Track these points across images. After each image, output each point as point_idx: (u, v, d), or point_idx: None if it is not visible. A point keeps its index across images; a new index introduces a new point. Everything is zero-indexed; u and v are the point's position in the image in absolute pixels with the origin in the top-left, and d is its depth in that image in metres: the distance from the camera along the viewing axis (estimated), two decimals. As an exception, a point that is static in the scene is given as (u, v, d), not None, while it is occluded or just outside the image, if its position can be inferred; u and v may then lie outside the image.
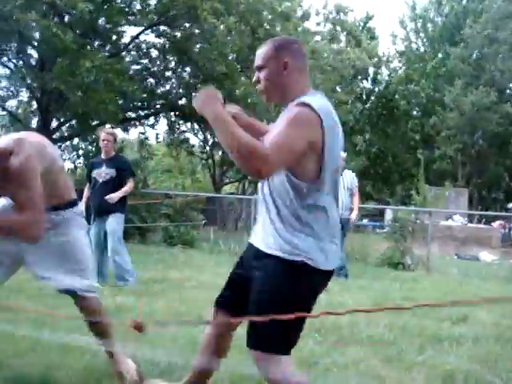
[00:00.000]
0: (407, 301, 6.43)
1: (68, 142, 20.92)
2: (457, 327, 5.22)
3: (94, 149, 18.33)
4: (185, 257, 10.19)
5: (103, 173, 6.76)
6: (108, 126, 16.05)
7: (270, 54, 2.40)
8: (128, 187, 6.79)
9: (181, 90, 19.76)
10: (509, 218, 24.32)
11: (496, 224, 19.66)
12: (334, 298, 6.46)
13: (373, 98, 33.87)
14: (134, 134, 24.76)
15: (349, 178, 8.52)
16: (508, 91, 28.99)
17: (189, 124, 23.50)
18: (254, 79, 2.47)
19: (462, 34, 29.00)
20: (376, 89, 34.12)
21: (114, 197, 6.63)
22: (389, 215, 17.45)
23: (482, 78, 27.97)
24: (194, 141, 26.25)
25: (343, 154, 8.50)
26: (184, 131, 23.69)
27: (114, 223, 6.74)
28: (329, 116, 2.26)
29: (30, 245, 2.87)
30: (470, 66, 28.54)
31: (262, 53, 2.43)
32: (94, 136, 18.12)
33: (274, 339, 2.28)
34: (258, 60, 2.44)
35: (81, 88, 14.51)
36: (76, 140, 20.64)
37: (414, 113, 32.70)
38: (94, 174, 6.83)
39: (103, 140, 6.80)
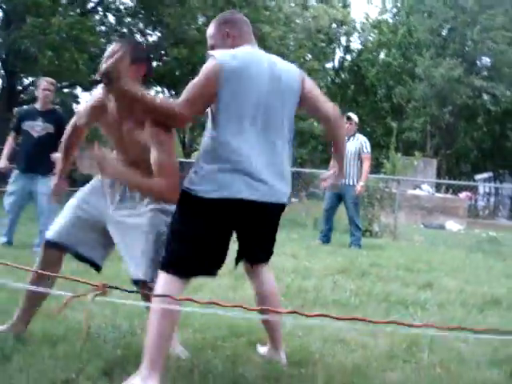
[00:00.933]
0: (374, 267, 6.43)
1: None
2: (422, 293, 5.22)
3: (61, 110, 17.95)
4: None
5: (38, 127, 6.12)
6: (79, 88, 15.67)
7: (214, 31, 2.79)
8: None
9: (151, 55, 19.34)
10: (475, 189, 24.68)
11: (463, 195, 19.87)
12: (301, 263, 6.43)
13: (345, 66, 33.76)
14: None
15: (357, 143, 8.30)
16: (478, 64, 29.09)
17: (159, 88, 23.10)
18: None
19: (426, 4, 28.91)
20: (348, 57, 33.98)
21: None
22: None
23: (451, 49, 27.99)
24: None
25: (354, 117, 8.33)
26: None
27: (47, 186, 5.79)
28: (236, 63, 2.56)
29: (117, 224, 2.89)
30: (440, 37, 28.53)
31: (208, 33, 2.82)
32: (62, 98, 17.73)
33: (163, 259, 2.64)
34: (208, 41, 2.82)
35: (52, 47, 14.05)
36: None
37: (383, 84, 32.64)
38: (26, 125, 6.17)
39: (44, 89, 6.18)
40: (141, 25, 18.96)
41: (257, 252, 3.01)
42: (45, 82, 6.28)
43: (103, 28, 18.39)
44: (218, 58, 2.55)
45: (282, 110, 2.70)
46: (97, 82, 19.22)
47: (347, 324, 3.87)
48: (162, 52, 18.42)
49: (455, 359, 3.25)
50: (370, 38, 34.32)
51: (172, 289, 2.51)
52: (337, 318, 1.79)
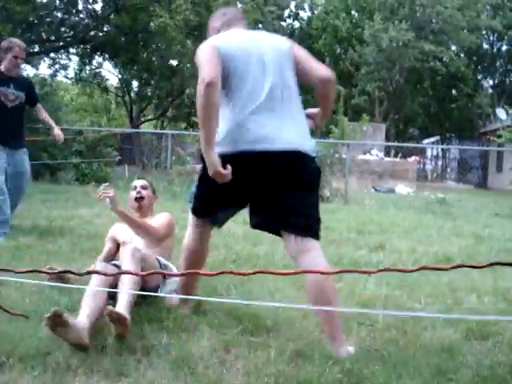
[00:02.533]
0: (325, 230, 6.30)
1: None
2: (374, 254, 5.19)
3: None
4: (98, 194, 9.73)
5: (11, 95, 5.40)
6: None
7: (208, 29, 3.24)
8: (48, 117, 5.84)
9: (91, 21, 18.61)
10: (423, 152, 25.05)
11: (411, 159, 20.11)
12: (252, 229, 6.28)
13: (295, 34, 33.46)
14: (44, 70, 23.38)
15: None
16: (426, 28, 29.22)
17: (101, 59, 22.40)
18: None
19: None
20: (297, 25, 33.73)
21: (61, 138, 5.85)
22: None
23: (401, 14, 28.01)
24: (110, 77, 25.17)
25: None
26: (96, 67, 22.61)
27: (27, 161, 5.69)
28: (228, 44, 2.86)
29: None
30: (390, 1, 28.52)
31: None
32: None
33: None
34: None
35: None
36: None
37: (335, 48, 32.56)
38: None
39: (16, 57, 5.35)
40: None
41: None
42: (18, 48, 5.38)
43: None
44: (211, 41, 2.90)
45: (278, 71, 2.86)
46: (34, 54, 18.52)
47: (299, 290, 3.76)
48: (103, 19, 17.74)
49: (410, 320, 3.16)
50: (319, 4, 34.09)
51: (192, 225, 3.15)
52: (273, 273, 1.63)
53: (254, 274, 1.58)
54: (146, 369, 2.43)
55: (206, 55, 2.78)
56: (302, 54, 3.00)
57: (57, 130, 5.82)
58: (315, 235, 2.79)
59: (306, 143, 2.86)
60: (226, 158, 2.69)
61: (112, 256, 3.75)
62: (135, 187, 3.84)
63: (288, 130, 2.78)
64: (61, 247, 4.85)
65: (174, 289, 3.38)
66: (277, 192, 2.76)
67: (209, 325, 2.94)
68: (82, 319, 2.66)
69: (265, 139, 2.72)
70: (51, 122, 5.87)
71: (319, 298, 2.71)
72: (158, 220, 3.66)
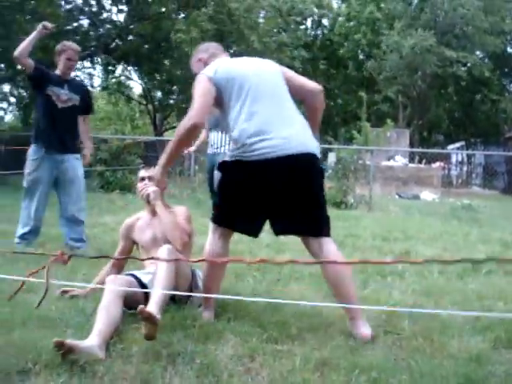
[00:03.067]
0: (350, 238, 6.31)
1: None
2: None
3: (27, 94, 17.42)
4: (122, 202, 9.82)
5: (64, 95, 5.24)
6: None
7: (192, 61, 3.49)
8: (87, 134, 5.58)
9: (115, 31, 18.81)
10: (448, 158, 24.78)
11: (436, 165, 19.91)
12: (277, 237, 6.26)
13: (317, 40, 33.44)
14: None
15: None
16: (448, 33, 28.95)
17: (125, 69, 22.61)
18: None
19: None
20: (319, 32, 33.65)
21: (87, 161, 5.58)
22: (331, 158, 17.39)
23: (423, 19, 27.80)
24: (135, 86, 25.43)
25: None
26: (119, 76, 22.82)
27: (79, 168, 5.42)
28: (225, 68, 3.15)
29: None
30: (411, 7, 28.35)
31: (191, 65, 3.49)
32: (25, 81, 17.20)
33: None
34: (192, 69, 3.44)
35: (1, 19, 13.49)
36: (6, 87, 19.47)
37: (352, 58, 32.37)
38: (50, 91, 5.20)
39: (70, 59, 5.26)
40: (106, 2, 18.43)
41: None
42: (71, 51, 5.29)
43: (67, 6, 17.80)
44: (205, 73, 3.13)
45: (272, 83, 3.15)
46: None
47: (325, 298, 3.73)
48: (126, 29, 17.91)
49: (437, 328, 3.12)
50: (340, 16, 33.99)
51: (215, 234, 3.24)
52: (306, 263, 1.61)
53: (286, 262, 1.57)
54: (171, 376, 2.43)
55: (200, 88, 3.07)
56: (291, 73, 3.31)
57: (86, 151, 5.57)
58: (328, 234, 3.17)
59: (314, 144, 3.10)
60: (242, 165, 2.97)
61: (126, 254, 3.68)
62: (143, 178, 3.65)
63: (298, 133, 3.02)
64: (86, 254, 4.89)
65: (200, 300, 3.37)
66: (292, 196, 3.00)
67: (233, 332, 2.93)
68: (92, 337, 2.67)
69: (281, 144, 2.93)
70: (87, 139, 5.61)
71: (338, 283, 3.06)
72: (178, 216, 3.56)
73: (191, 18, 15.94)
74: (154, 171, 3.33)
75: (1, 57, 14.91)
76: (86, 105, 5.49)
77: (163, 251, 3.12)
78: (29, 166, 5.31)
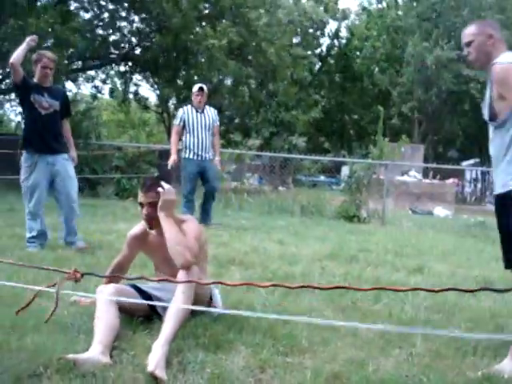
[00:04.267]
0: (362, 252, 6.28)
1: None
2: (412, 277, 5.09)
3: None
4: (136, 210, 9.82)
5: (45, 103, 5.56)
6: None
7: (476, 31, 3.12)
8: (71, 137, 5.92)
9: (133, 39, 18.96)
10: (462, 175, 24.61)
11: (450, 181, 19.79)
12: (288, 249, 6.27)
13: (333, 53, 33.50)
14: (86, 89, 23.92)
15: (212, 114, 8.02)
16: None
17: (142, 77, 22.75)
18: (463, 53, 3.19)
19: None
20: (336, 43, 33.71)
21: (75, 162, 5.89)
22: (345, 172, 17.36)
23: (440, 35, 27.79)
24: (149, 94, 25.59)
25: (205, 89, 8.10)
26: (136, 84, 22.98)
27: (70, 168, 5.70)
28: None
29: None
30: (428, 22, 28.33)
31: (469, 32, 3.15)
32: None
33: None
34: (467, 37, 3.14)
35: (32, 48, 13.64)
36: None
37: (368, 73, 32.39)
38: (33, 99, 5.53)
39: (45, 67, 5.54)
40: (123, 11, 18.56)
41: None
42: (46, 59, 5.57)
43: (85, 15, 17.99)
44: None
45: None
46: (77, 71, 18.91)
47: (336, 311, 3.72)
48: (145, 38, 18.05)
49: (450, 346, 3.09)
50: (357, 23, 34.06)
51: None
52: (320, 288, 1.61)
53: (299, 287, 1.57)
54: (181, 385, 2.43)
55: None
56: None
57: (73, 153, 5.90)
58: None
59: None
60: None
61: (128, 262, 3.54)
62: (141, 204, 3.27)
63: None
64: (99, 260, 4.90)
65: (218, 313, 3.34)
66: None
67: (244, 344, 2.93)
68: (93, 346, 2.68)
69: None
70: (72, 143, 5.94)
71: None
72: (187, 233, 3.21)
73: (222, 26, 16.14)
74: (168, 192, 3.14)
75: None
76: (65, 109, 5.82)
77: (180, 287, 2.96)
78: (24, 173, 5.58)
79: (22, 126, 5.83)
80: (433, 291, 1.74)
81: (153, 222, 3.22)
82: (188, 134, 7.87)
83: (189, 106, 8.06)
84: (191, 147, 7.84)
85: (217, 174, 8.36)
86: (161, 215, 3.14)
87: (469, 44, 3.13)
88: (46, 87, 5.64)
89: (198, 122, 7.86)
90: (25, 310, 3.15)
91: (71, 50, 15.66)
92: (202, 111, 7.94)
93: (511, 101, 2.83)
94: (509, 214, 2.91)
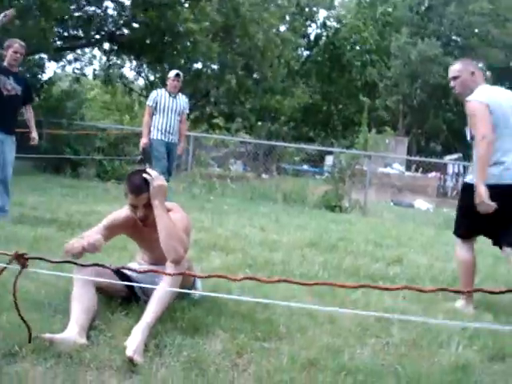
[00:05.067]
0: (343, 241, 6.31)
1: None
2: (391, 268, 5.12)
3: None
4: (117, 192, 9.78)
5: (9, 85, 5.94)
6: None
7: (461, 68, 3.99)
8: (32, 119, 6.37)
9: (118, 19, 18.68)
10: (444, 169, 24.78)
11: (432, 175, 19.91)
12: (269, 236, 6.28)
13: (321, 43, 33.37)
14: (69, 69, 23.45)
15: (183, 101, 8.16)
16: (452, 44, 29.02)
17: (127, 59, 22.46)
18: (450, 84, 4.05)
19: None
20: (324, 33, 33.59)
21: (36, 142, 6.37)
22: (329, 161, 17.40)
23: (429, 28, 27.87)
24: (133, 77, 25.31)
25: (181, 75, 8.26)
26: (122, 66, 22.72)
27: (14, 148, 6.13)
28: (494, 99, 3.82)
29: None
30: (418, 16, 28.38)
31: (454, 68, 4.03)
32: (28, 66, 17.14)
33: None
34: (453, 73, 4.02)
35: (18, 13, 13.36)
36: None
37: (358, 62, 32.35)
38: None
39: (16, 52, 5.97)
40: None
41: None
42: (18, 45, 6.02)
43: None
44: (484, 99, 3.79)
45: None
46: (62, 49, 18.68)
47: (314, 297, 3.73)
48: (130, 17, 17.72)
49: (426, 336, 3.12)
50: (348, 16, 33.95)
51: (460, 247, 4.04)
52: (297, 283, 1.62)
53: (275, 282, 1.57)
54: (157, 367, 2.42)
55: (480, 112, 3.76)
56: None
57: (34, 134, 6.33)
58: None
59: None
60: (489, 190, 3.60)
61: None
62: (135, 207, 3.13)
63: None
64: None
65: (198, 297, 3.36)
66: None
67: (222, 328, 2.93)
68: (70, 326, 2.67)
69: None
70: (32, 124, 6.35)
71: None
72: (177, 225, 3.12)
73: (201, 7, 15.88)
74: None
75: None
76: (27, 95, 6.24)
77: (168, 277, 2.90)
78: None
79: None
80: (422, 291, 1.76)
81: (148, 220, 3.12)
82: (158, 115, 7.99)
83: (163, 90, 8.24)
84: (159, 127, 7.97)
85: (175, 158, 8.51)
86: (154, 203, 3.04)
87: (455, 78, 3.97)
88: (13, 72, 6.05)
89: (169, 105, 7.99)
90: (1, 284, 3.14)
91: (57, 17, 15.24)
92: (175, 96, 8.07)
93: (478, 130, 3.76)
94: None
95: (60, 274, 2.82)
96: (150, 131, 8.00)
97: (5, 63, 6.03)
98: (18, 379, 2.17)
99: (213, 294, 3.12)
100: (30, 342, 2.47)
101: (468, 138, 4.04)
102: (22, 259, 2.06)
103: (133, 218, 3.21)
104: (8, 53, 5.98)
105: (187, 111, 8.35)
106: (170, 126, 7.94)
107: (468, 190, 3.85)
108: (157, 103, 7.99)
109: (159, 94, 8.06)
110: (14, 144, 6.12)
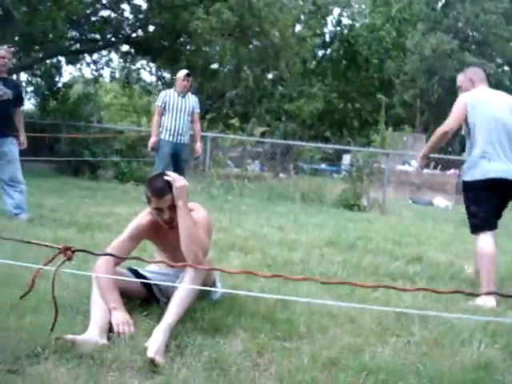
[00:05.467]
0: (362, 240, 6.28)
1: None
2: (411, 266, 5.09)
3: (43, 82, 17.43)
4: (136, 193, 9.84)
5: (0, 91, 6.19)
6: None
7: (462, 78, 4.70)
8: (21, 123, 6.56)
9: (135, 21, 18.76)
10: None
11: (451, 172, 19.73)
12: (288, 235, 6.27)
13: (336, 41, 33.20)
14: (86, 72, 23.59)
15: (193, 101, 8.16)
16: (470, 39, 28.73)
17: (144, 62, 22.56)
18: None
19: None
20: (340, 31, 33.40)
21: (25, 146, 6.55)
22: (346, 160, 17.31)
23: (445, 24, 27.62)
24: (151, 79, 25.39)
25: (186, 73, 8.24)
26: (138, 68, 22.82)
27: (16, 148, 6.36)
28: (475, 98, 4.37)
29: None
30: (435, 12, 28.13)
31: (459, 79, 4.76)
32: (42, 68, 17.28)
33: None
34: (458, 82, 4.76)
35: (27, 3, 13.43)
36: (23, 75, 19.46)
37: (375, 60, 32.12)
38: None
39: (3, 57, 6.20)
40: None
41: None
42: (2, 51, 6.26)
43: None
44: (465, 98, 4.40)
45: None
46: (78, 52, 18.81)
47: (335, 297, 3.73)
48: (146, 18, 17.78)
49: (447, 334, 3.10)
50: (363, 13, 33.76)
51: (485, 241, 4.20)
52: (323, 282, 1.61)
53: (302, 280, 1.57)
54: (178, 368, 2.44)
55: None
56: None
57: (23, 138, 6.52)
58: None
59: None
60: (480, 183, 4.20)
61: (127, 252, 3.14)
62: (160, 210, 3.10)
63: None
64: (99, 243, 4.90)
65: (218, 297, 3.37)
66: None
67: (243, 328, 2.93)
68: (90, 328, 2.69)
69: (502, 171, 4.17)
70: (21, 128, 6.54)
71: None
72: (199, 226, 3.13)
73: (214, 7, 15.91)
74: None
75: (23, 44, 14.91)
76: (17, 99, 6.45)
77: (189, 276, 2.96)
78: None
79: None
80: (438, 292, 1.75)
81: (174, 222, 3.10)
82: (167, 116, 8.01)
83: (171, 90, 8.26)
84: (168, 128, 7.99)
85: (188, 158, 8.54)
86: (178, 204, 3.02)
87: (459, 88, 4.69)
88: (2, 77, 6.24)
89: (178, 105, 8.01)
90: (23, 289, 3.17)
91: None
92: (184, 96, 8.08)
93: (447, 119, 4.47)
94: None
95: (85, 274, 2.84)
96: (159, 131, 8.05)
97: None
98: (40, 380, 2.19)
99: (238, 292, 3.13)
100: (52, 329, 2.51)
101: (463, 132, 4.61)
102: (68, 251, 2.14)
103: (156, 222, 3.18)
104: None
105: (198, 110, 8.33)
106: (179, 126, 7.96)
107: (468, 187, 4.35)
108: (166, 103, 8.01)
109: (168, 94, 8.09)
110: (14, 144, 6.34)
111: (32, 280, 2.43)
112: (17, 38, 14.48)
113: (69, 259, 2.19)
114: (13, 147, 6.31)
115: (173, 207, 3.07)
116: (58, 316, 2.53)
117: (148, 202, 3.17)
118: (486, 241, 4.17)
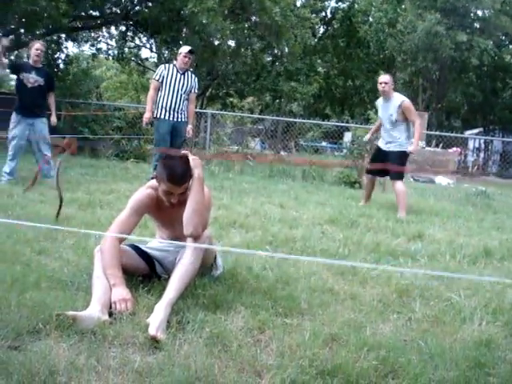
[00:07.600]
0: (363, 217, 6.27)
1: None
2: (412, 243, 5.09)
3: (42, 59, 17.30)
4: (136, 170, 9.82)
5: (32, 79, 7.36)
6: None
7: (389, 80, 7.04)
8: (53, 104, 7.85)
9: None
10: (465, 144, 24.52)
11: (453, 150, 19.67)
12: (289, 212, 6.26)
13: (337, 17, 32.87)
14: (85, 48, 23.41)
15: (191, 80, 7.94)
16: (464, 19, 28.32)
17: (144, 38, 22.41)
18: (380, 88, 6.98)
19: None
20: (341, 6, 33.06)
21: (54, 123, 7.93)
22: (347, 137, 17.24)
23: (439, 1, 27.22)
24: (149, 55, 25.24)
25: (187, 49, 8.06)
26: (138, 45, 22.66)
27: (46, 128, 7.58)
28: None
29: None
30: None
31: (387, 77, 7.07)
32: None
33: None
34: (385, 79, 7.02)
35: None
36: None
37: (376, 38, 31.81)
38: (22, 76, 7.38)
39: (37, 49, 7.40)
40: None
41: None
42: (38, 44, 7.55)
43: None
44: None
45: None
46: (77, 29, 18.66)
47: (336, 273, 3.73)
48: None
49: (448, 311, 3.10)
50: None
51: None
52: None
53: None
54: (180, 344, 2.44)
55: None
56: None
57: (53, 118, 7.87)
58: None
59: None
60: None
61: (131, 227, 3.14)
62: (170, 193, 3.07)
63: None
64: (99, 219, 4.90)
65: (219, 274, 3.37)
66: None
67: (244, 304, 2.93)
68: (92, 304, 2.69)
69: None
70: (53, 109, 7.87)
71: None
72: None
73: None
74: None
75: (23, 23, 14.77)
76: (49, 84, 7.62)
77: (189, 251, 2.96)
78: (11, 127, 7.48)
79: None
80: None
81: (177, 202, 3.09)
82: (163, 92, 7.78)
83: (171, 65, 8.00)
84: (164, 105, 7.78)
85: (183, 136, 8.20)
86: (195, 173, 3.02)
87: (386, 83, 6.91)
88: (35, 67, 7.45)
89: (177, 81, 7.79)
90: (25, 265, 3.17)
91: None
92: (183, 73, 7.87)
93: (415, 116, 6.92)
94: None
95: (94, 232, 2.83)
96: (154, 107, 7.82)
97: (29, 60, 7.55)
98: (42, 356, 2.19)
99: (252, 252, 3.12)
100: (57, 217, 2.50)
101: (393, 120, 6.91)
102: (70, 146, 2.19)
103: (156, 197, 3.17)
104: (31, 52, 7.46)
105: (196, 90, 8.14)
106: (175, 103, 7.75)
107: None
108: (163, 78, 7.76)
109: (166, 69, 7.84)
110: (45, 123, 7.60)
111: (35, 176, 2.39)
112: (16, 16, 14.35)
113: (72, 153, 2.25)
114: (43, 126, 7.53)
115: (184, 192, 3.05)
116: (62, 205, 2.47)
117: (158, 181, 3.11)
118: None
